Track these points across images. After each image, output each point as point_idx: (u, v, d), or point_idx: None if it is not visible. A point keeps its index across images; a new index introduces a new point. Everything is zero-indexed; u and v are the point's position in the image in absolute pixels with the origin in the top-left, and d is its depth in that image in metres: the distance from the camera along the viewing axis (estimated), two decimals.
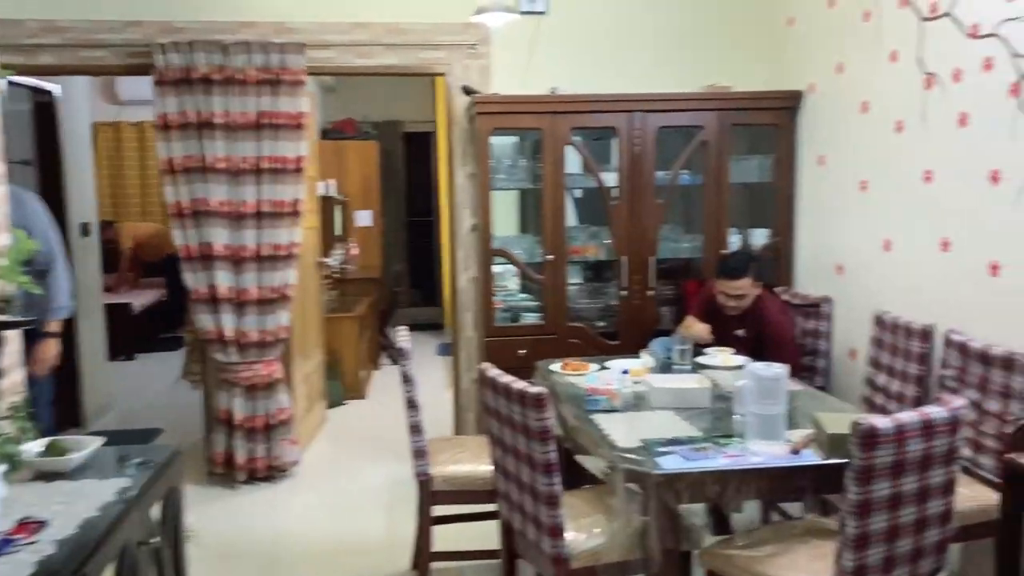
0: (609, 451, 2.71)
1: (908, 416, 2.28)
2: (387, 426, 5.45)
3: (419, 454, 3.40)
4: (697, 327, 4.03)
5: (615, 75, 4.84)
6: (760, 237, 4.79)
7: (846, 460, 2.32)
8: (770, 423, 2.70)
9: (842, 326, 4.26)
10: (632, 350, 4.58)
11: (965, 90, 3.31)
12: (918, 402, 3.53)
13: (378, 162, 8.50)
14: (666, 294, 4.90)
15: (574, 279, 4.97)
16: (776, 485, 2.64)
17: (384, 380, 7.02)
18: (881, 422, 2.23)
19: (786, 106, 4.66)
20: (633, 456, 2.64)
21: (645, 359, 3.65)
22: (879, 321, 3.83)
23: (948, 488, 2.38)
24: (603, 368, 3.69)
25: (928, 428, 2.28)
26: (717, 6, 4.93)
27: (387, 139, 9.25)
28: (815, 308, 4.35)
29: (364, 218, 8.24)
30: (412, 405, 3.39)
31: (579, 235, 4.80)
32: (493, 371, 2.85)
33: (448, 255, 5.11)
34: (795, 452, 2.63)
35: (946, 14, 3.39)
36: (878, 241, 3.94)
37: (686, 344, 3.78)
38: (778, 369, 2.72)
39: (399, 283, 8.91)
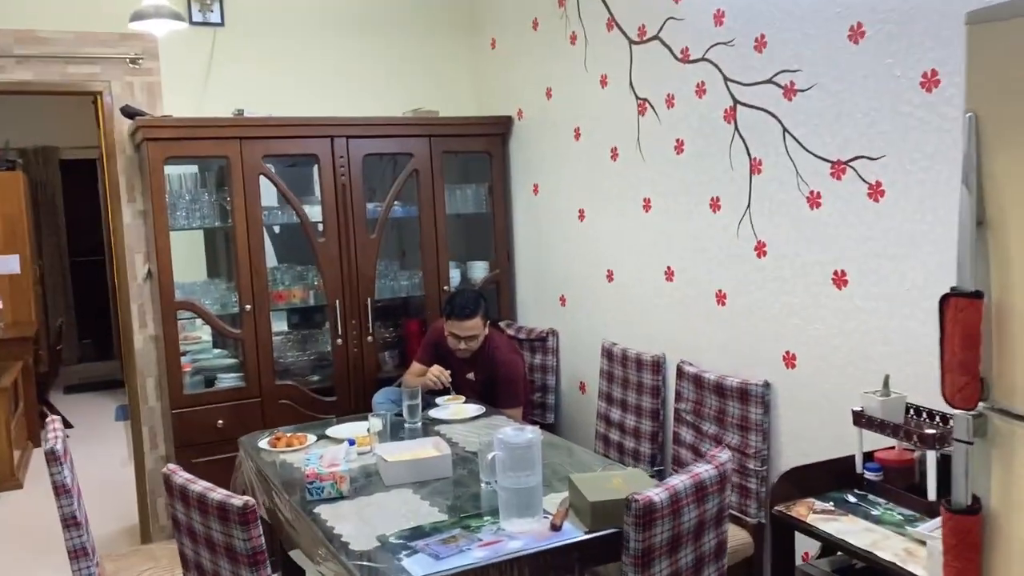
0: (340, 558, 2.18)
1: (680, 481, 2.03)
2: (54, 520, 4.38)
3: (78, 554, 2.59)
4: (433, 370, 3.66)
5: (312, 98, 4.31)
6: (480, 270, 4.51)
7: (613, 529, 2.03)
8: (526, 496, 2.34)
9: (569, 359, 4.10)
10: (353, 407, 4.10)
11: (679, 116, 3.25)
12: (654, 438, 3.41)
13: (26, 196, 7.11)
14: (386, 337, 4.45)
15: (279, 328, 4.34)
16: (541, 569, 2.29)
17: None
18: (656, 495, 1.95)
19: (496, 132, 4.43)
20: (370, 564, 2.13)
21: (372, 422, 3.16)
22: (607, 353, 3.69)
23: (720, 552, 2.17)
24: (323, 438, 3.15)
25: (700, 491, 2.04)
26: (421, 26, 4.59)
27: (38, 169, 7.84)
28: (541, 342, 4.15)
29: (8, 264, 6.78)
30: (64, 491, 2.58)
31: (282, 277, 4.19)
32: (181, 476, 2.20)
33: (121, 309, 4.21)
34: (556, 528, 2.30)
35: (655, 37, 3.32)
36: (601, 270, 3.82)
37: (415, 399, 3.35)
38: (530, 434, 2.37)
39: (62, 339, 7.53)
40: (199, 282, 4.11)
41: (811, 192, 2.71)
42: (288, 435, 3.18)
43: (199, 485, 2.11)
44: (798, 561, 2.46)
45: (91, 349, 8.56)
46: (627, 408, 3.54)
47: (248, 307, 3.90)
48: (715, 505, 2.10)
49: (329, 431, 3.23)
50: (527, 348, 4.21)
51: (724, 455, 2.17)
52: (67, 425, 5.88)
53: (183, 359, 3.93)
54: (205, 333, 4.11)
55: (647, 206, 3.47)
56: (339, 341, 4.09)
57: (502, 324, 4.37)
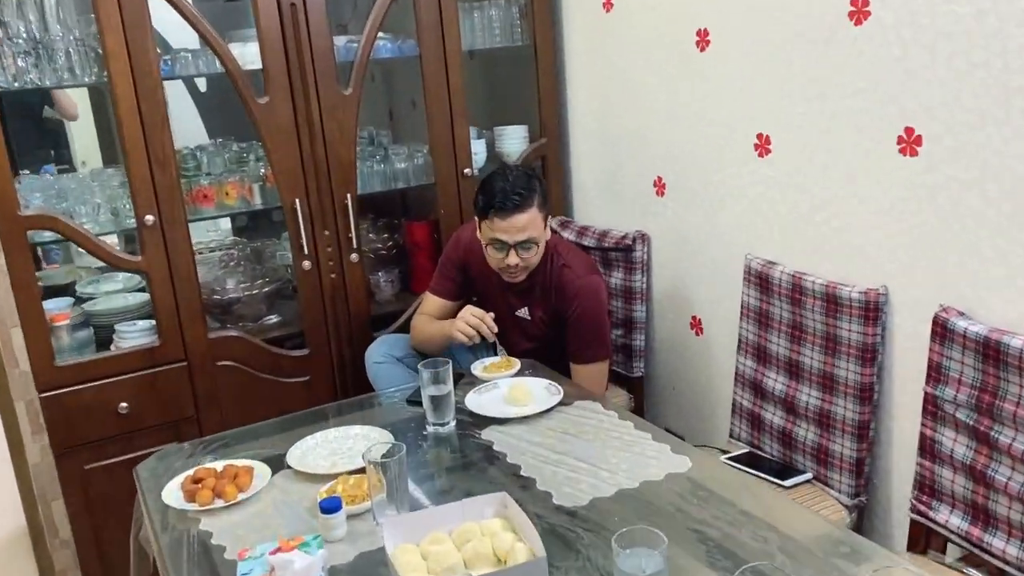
0: None
1: None
2: None
3: None
4: (466, 317, 2.25)
5: None
6: (515, 140, 2.95)
7: None
8: None
9: (671, 280, 2.62)
10: (336, 363, 2.66)
11: None
12: (860, 436, 1.99)
13: None
14: (380, 250, 2.95)
15: (208, 247, 2.83)
16: None
17: None
18: None
19: None
20: None
21: (369, 472, 1.72)
22: (758, 277, 2.22)
23: None
24: (282, 471, 1.72)
25: None
26: None
27: None
28: (623, 253, 2.66)
29: None
30: None
31: (210, 164, 2.64)
32: None
33: None
34: None
35: None
36: (742, 137, 2.28)
37: (440, 381, 1.90)
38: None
39: None
40: (73, 178, 2.55)
41: None
42: (218, 469, 1.74)
43: None
44: None
45: None
46: (802, 375, 2.10)
47: (149, 219, 2.36)
48: None
49: (294, 458, 1.79)
50: (598, 262, 2.73)
51: None
52: None
53: (52, 305, 2.44)
54: (95, 260, 2.59)
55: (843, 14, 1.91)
56: (306, 264, 2.58)
57: (555, 224, 2.87)
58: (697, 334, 2.53)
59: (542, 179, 2.29)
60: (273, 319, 2.75)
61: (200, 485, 1.68)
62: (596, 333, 2.29)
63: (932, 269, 1.83)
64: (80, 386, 2.36)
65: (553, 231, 2.51)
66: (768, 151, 2.17)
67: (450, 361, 1.91)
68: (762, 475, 2.05)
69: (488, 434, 1.87)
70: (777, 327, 2.14)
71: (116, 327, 2.51)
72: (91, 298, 2.72)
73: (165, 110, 2.35)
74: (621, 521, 1.46)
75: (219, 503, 1.64)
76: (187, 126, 2.99)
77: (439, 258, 2.51)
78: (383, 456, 1.54)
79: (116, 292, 2.73)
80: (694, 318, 2.53)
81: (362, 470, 1.62)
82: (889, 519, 2.04)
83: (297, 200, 2.53)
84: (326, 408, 2.19)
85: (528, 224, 2.15)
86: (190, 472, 1.73)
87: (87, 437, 2.38)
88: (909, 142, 1.81)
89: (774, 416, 2.17)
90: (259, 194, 2.63)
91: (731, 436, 2.30)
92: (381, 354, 2.45)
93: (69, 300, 2.58)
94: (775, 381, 2.16)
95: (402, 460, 1.51)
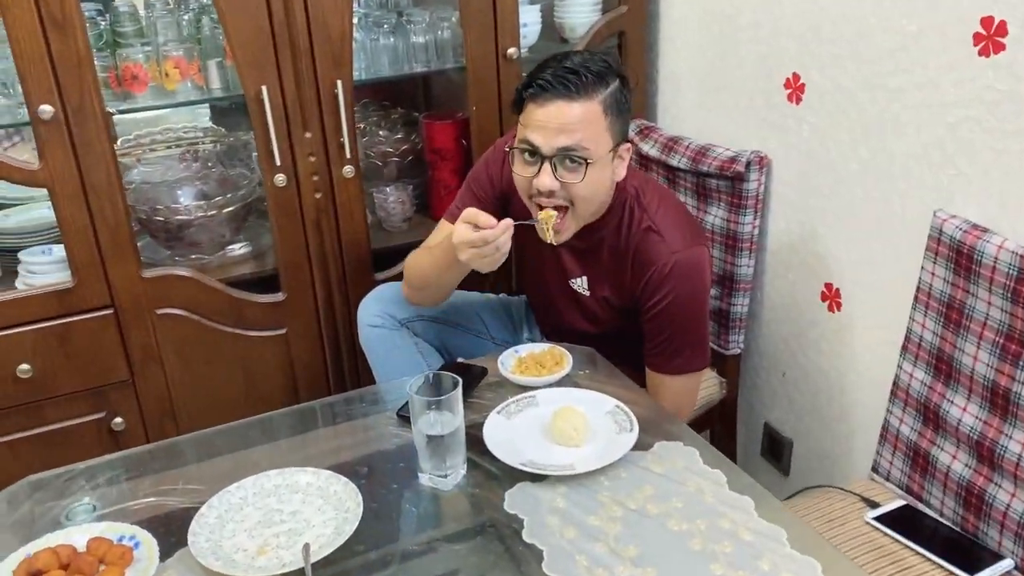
0: None
1: None
2: None
3: None
4: (468, 219, 1.43)
5: None
6: (582, 10, 2.10)
7: None
8: None
9: (794, 229, 1.83)
10: (315, 314, 1.97)
11: None
12: None
13: None
14: (387, 160, 2.18)
15: (148, 149, 2.10)
16: None
17: None
18: None
19: None
20: None
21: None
22: (953, 247, 1.43)
23: None
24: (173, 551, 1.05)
25: None
26: None
27: None
28: (728, 183, 1.86)
29: None
30: None
31: (145, 30, 1.87)
32: None
33: None
34: None
35: None
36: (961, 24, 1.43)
37: (447, 386, 1.18)
38: None
39: None
40: None
41: None
42: (76, 547, 1.08)
43: None
44: None
45: None
46: (1013, 411, 1.33)
47: (45, 109, 1.62)
48: None
49: (201, 537, 1.11)
50: (690, 191, 1.94)
51: None
52: None
53: None
54: None
55: None
56: (280, 179, 1.84)
57: (631, 130, 2.06)
58: (831, 309, 1.76)
59: (626, 75, 1.47)
60: (239, 249, 2.04)
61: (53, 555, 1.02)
62: (692, 334, 1.53)
63: None
64: None
65: (637, 166, 1.71)
66: (997, 47, 1.32)
67: (459, 381, 1.19)
68: (933, 557, 1.33)
69: (515, 499, 1.17)
70: (978, 331, 1.36)
71: (20, 255, 1.83)
72: (3, 206, 2.04)
73: None
74: None
75: None
76: None
77: (468, 175, 1.75)
78: None
79: (34, 202, 2.04)
80: (829, 286, 1.75)
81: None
82: None
83: (264, 88, 1.76)
84: (312, 407, 1.51)
85: (580, 122, 1.36)
86: (31, 551, 1.08)
87: None
88: None
89: (954, 461, 1.43)
90: (217, 76, 1.86)
91: (875, 470, 1.57)
92: (377, 314, 1.73)
93: None
94: (963, 411, 1.40)
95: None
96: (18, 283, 1.83)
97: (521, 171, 1.45)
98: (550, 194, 1.42)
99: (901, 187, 1.53)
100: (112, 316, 1.81)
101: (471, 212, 1.42)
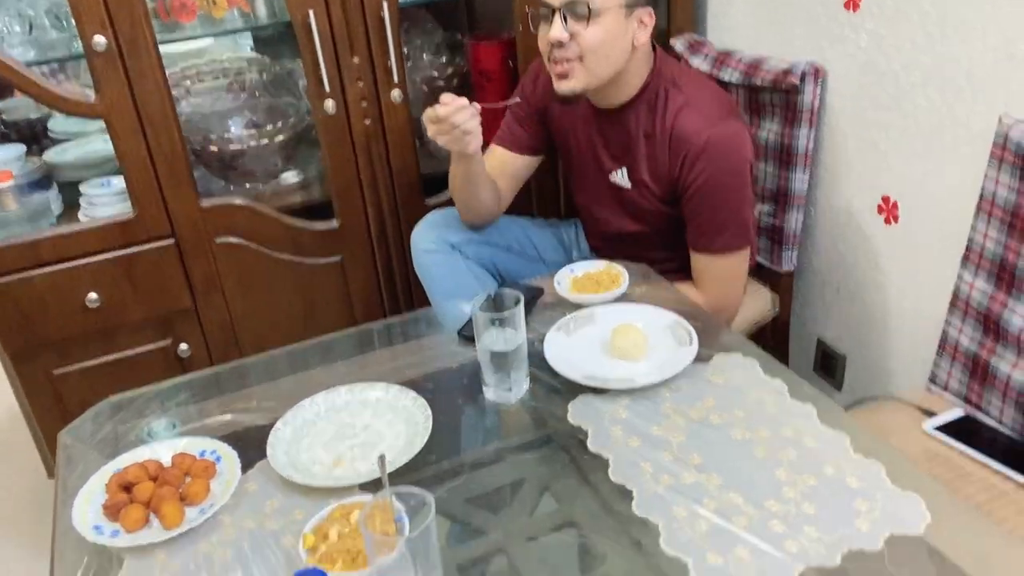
0: None
1: None
2: None
3: None
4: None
5: None
6: None
7: None
8: None
9: (849, 143, 1.79)
10: (371, 243, 2.00)
11: None
12: None
13: None
14: (433, 84, 2.17)
15: (198, 79, 2.10)
16: None
17: None
18: None
19: None
20: None
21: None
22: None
23: None
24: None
25: None
26: None
27: None
28: (782, 96, 1.82)
29: None
30: None
31: None
32: None
33: None
34: None
35: None
36: None
37: (508, 305, 1.20)
38: None
39: None
40: None
41: None
42: (163, 462, 1.13)
43: None
44: None
45: None
46: None
47: (99, 40, 1.63)
48: None
49: (279, 452, 1.16)
50: (743, 107, 1.91)
51: None
52: None
53: None
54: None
55: None
56: (329, 105, 1.84)
57: (679, 45, 2.02)
58: (888, 222, 1.73)
59: None
60: (292, 178, 2.06)
61: (129, 496, 1.08)
62: (734, 210, 1.56)
63: None
64: (30, 272, 1.76)
65: (670, 52, 1.70)
66: None
67: (521, 297, 1.20)
68: (995, 464, 1.34)
69: (579, 411, 1.20)
70: None
71: (81, 188, 1.87)
72: (61, 141, 2.07)
73: None
74: None
75: (153, 531, 1.04)
76: None
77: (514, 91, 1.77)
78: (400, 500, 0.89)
79: (86, 137, 2.07)
80: (886, 199, 1.72)
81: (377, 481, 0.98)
82: None
83: (312, 12, 1.75)
84: (371, 329, 1.55)
85: None
86: (120, 467, 1.13)
87: (47, 336, 1.82)
88: None
89: (1014, 369, 1.42)
90: (263, 3, 1.86)
91: (933, 381, 1.57)
92: (431, 239, 1.76)
93: (20, 148, 1.94)
94: None
95: (428, 531, 0.85)
96: (81, 215, 1.88)
97: (540, 33, 1.52)
98: (560, 45, 1.47)
99: (965, 95, 1.49)
100: (173, 246, 1.85)
101: (446, 96, 1.49)
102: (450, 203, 1.79)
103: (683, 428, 1.14)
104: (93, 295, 1.80)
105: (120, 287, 1.83)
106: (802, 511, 0.98)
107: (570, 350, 1.32)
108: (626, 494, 1.04)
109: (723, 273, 1.61)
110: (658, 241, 1.68)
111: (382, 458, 0.96)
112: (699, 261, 1.61)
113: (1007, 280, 1.42)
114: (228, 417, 1.26)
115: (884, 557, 0.92)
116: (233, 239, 1.90)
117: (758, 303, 1.92)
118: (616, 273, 1.48)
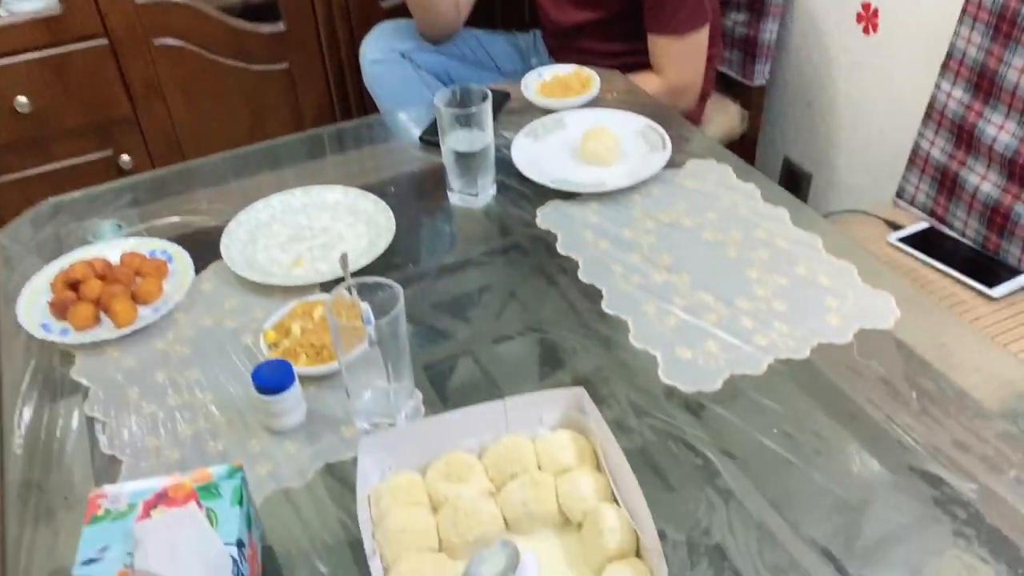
0: None
1: None
2: None
3: None
4: None
5: None
6: None
7: None
8: None
9: None
10: (316, 50, 1.86)
11: None
12: None
13: None
14: None
15: None
16: None
17: None
18: None
19: None
20: None
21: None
22: None
23: None
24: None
25: None
26: None
27: None
28: None
29: None
30: None
31: None
32: None
33: None
34: None
35: None
36: None
37: (475, 101, 1.13)
38: None
39: None
40: None
41: None
42: (110, 260, 1.07)
43: None
44: None
45: None
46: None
47: None
48: None
49: (235, 251, 1.10)
50: None
51: None
52: None
53: None
54: None
55: None
56: None
57: None
58: (867, 31, 1.66)
59: None
60: None
61: (77, 294, 1.02)
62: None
63: None
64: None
65: None
66: None
67: (488, 93, 1.13)
68: (955, 273, 1.35)
69: (548, 216, 1.16)
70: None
71: None
72: None
73: None
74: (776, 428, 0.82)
75: (104, 329, 1.00)
76: None
77: None
78: (366, 293, 0.85)
79: None
80: (866, 6, 1.64)
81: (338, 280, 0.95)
82: None
83: None
84: (321, 133, 1.45)
85: None
86: (65, 265, 1.07)
87: None
88: None
89: (983, 181, 1.41)
90: None
91: (900, 195, 1.56)
92: (380, 50, 1.65)
93: None
94: (1000, 129, 1.36)
95: (396, 320, 0.82)
96: (0, 10, 1.70)
97: None
98: None
99: None
100: (107, 47, 1.71)
101: None
102: (405, 11, 1.66)
103: (654, 231, 1.12)
104: (22, 99, 1.67)
105: (51, 90, 1.69)
106: (773, 308, 0.98)
107: (539, 155, 1.26)
108: (594, 297, 1.02)
109: (684, 53, 1.56)
110: (616, 30, 1.60)
111: (344, 256, 0.92)
112: (658, 43, 1.55)
113: (985, 88, 1.38)
114: (176, 219, 1.20)
115: (853, 349, 0.92)
116: (172, 41, 1.75)
117: (726, 119, 1.87)
118: (587, 77, 1.41)
